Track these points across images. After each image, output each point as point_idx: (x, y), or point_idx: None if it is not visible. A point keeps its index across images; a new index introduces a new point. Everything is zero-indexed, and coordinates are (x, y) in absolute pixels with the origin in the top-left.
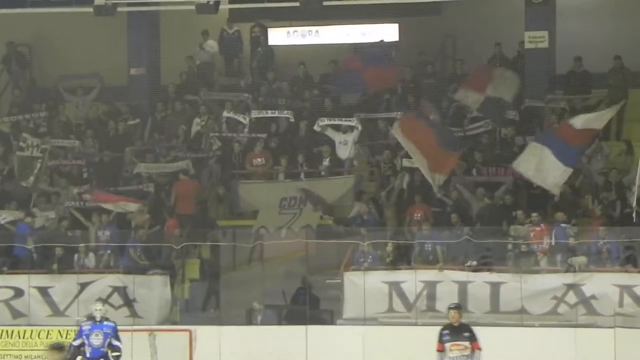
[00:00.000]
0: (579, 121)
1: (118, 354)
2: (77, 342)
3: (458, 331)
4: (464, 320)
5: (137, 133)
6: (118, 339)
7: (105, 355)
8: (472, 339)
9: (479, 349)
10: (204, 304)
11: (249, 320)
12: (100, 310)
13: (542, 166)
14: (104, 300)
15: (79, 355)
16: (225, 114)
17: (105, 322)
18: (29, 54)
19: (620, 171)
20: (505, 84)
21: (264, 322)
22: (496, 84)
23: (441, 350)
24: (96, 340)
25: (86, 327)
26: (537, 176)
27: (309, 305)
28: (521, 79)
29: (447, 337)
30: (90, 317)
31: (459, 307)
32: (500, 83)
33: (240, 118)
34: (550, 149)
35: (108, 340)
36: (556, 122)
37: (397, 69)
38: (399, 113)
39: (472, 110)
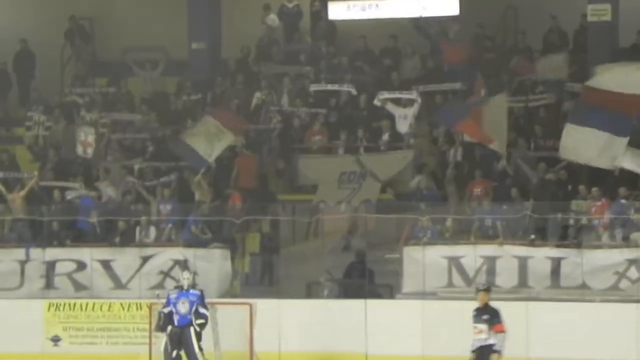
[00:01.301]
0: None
1: (202, 321)
2: (166, 310)
3: (480, 313)
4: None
5: (198, 108)
6: (205, 307)
7: (190, 323)
8: (492, 321)
9: (502, 331)
10: (264, 277)
11: (309, 294)
12: (187, 279)
13: (589, 145)
14: (166, 273)
15: (170, 323)
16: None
17: (192, 291)
18: (90, 28)
19: None
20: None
21: (330, 296)
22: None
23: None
24: (183, 307)
25: (173, 295)
26: (589, 157)
27: (367, 280)
28: (584, 52)
29: (473, 319)
30: (179, 286)
31: (487, 289)
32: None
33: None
34: (588, 124)
35: (194, 307)
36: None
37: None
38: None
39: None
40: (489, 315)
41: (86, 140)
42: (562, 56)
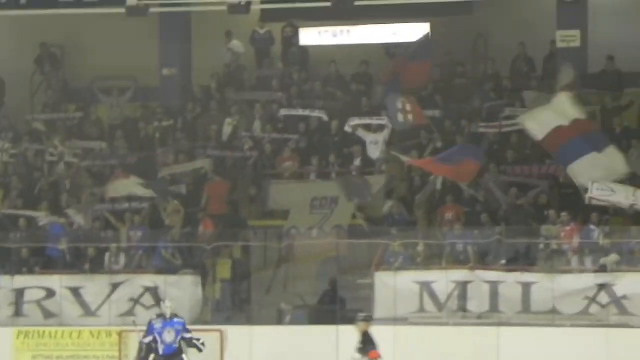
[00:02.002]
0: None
1: (200, 339)
2: (147, 340)
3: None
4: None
5: (170, 134)
6: (189, 332)
7: (177, 351)
8: (366, 349)
9: (377, 357)
10: (235, 304)
11: (280, 321)
12: (170, 307)
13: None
14: (136, 300)
15: (152, 352)
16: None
17: (175, 319)
18: (61, 55)
19: None
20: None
21: (293, 322)
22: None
23: None
24: (169, 337)
25: (158, 324)
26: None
27: (338, 306)
28: (553, 79)
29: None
30: (160, 315)
31: (366, 319)
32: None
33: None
34: (575, 157)
35: (180, 336)
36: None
37: (430, 65)
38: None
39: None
40: (362, 345)
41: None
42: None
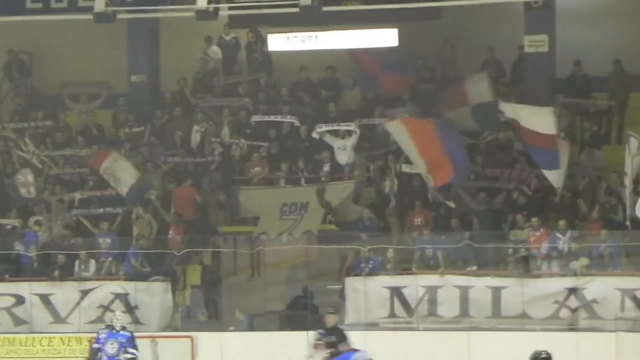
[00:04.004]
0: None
1: (131, 356)
2: (96, 346)
3: (328, 333)
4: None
5: (140, 140)
6: (135, 347)
7: None
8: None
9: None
10: (205, 310)
11: (251, 327)
12: (120, 319)
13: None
14: (106, 307)
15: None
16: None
17: (121, 332)
18: (29, 62)
19: (620, 175)
20: (478, 86)
21: (263, 328)
22: (472, 90)
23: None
24: (111, 348)
25: (103, 334)
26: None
27: (309, 311)
28: (521, 83)
29: (318, 336)
30: (109, 325)
31: (334, 312)
32: (474, 87)
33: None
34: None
35: (122, 348)
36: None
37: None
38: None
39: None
40: (336, 337)
41: (27, 181)
42: (484, 75)
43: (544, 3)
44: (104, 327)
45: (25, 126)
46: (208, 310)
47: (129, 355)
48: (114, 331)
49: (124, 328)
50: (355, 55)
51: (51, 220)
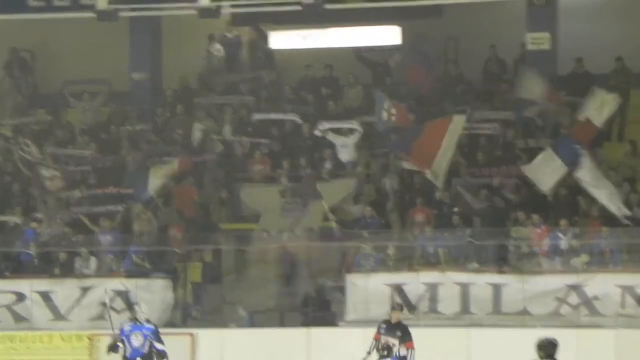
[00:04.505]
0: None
1: (159, 347)
2: (117, 337)
3: (393, 328)
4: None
5: (141, 138)
6: (160, 341)
7: (145, 356)
8: (404, 339)
9: (413, 347)
10: (206, 307)
11: (252, 323)
12: (144, 312)
13: (546, 169)
14: (107, 304)
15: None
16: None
17: (146, 325)
18: (31, 60)
19: (621, 172)
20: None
21: (264, 325)
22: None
23: (377, 339)
24: (136, 341)
25: (127, 327)
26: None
27: (319, 308)
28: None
29: (383, 331)
30: (133, 318)
31: (400, 308)
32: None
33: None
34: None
35: (148, 341)
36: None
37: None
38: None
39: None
40: (401, 332)
41: (53, 175)
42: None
43: (547, 1)
44: (127, 319)
45: (25, 122)
46: (208, 307)
47: (159, 347)
48: (138, 324)
49: (148, 321)
50: (359, 53)
51: (51, 218)
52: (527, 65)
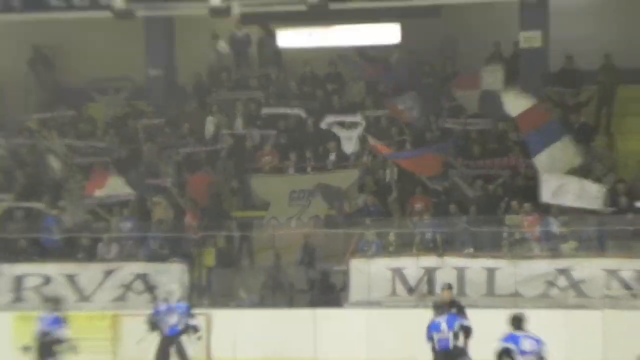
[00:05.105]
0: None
1: (199, 333)
2: (154, 317)
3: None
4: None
5: (157, 131)
6: (193, 317)
7: (180, 333)
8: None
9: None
10: (220, 289)
11: (262, 304)
12: (176, 290)
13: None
14: (128, 286)
15: (157, 330)
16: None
17: (179, 303)
18: (53, 56)
19: (606, 164)
20: (494, 75)
21: (274, 306)
22: (486, 78)
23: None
24: (171, 318)
25: (162, 306)
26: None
27: (324, 290)
28: (517, 76)
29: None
30: (166, 299)
31: (449, 287)
32: (489, 76)
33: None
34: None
35: (183, 319)
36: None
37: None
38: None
39: (471, 109)
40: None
41: (56, 162)
42: (500, 67)
43: (538, 1)
44: (162, 300)
45: (49, 116)
46: (221, 289)
47: (193, 322)
48: (172, 303)
49: (180, 300)
50: (361, 51)
51: (74, 205)
52: (520, 62)
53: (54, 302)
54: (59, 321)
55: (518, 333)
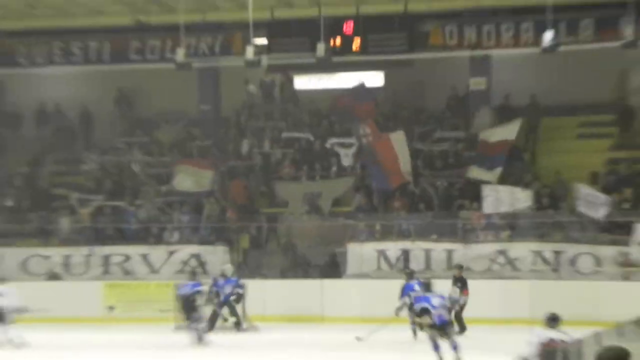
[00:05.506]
0: (493, 136)
1: (242, 291)
2: (215, 289)
3: (455, 281)
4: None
5: (206, 150)
6: (241, 287)
7: (229, 298)
8: (462, 288)
9: (467, 294)
10: (252, 265)
11: (283, 276)
12: (229, 269)
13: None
14: (186, 262)
15: (216, 298)
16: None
17: (232, 277)
18: (132, 96)
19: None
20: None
21: (293, 277)
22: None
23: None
24: (228, 288)
25: (221, 280)
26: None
27: (329, 266)
28: (467, 111)
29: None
30: (223, 274)
31: (460, 267)
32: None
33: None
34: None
35: (234, 289)
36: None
37: (375, 103)
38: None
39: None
40: (460, 284)
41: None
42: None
43: (484, 56)
44: (219, 275)
45: (129, 140)
46: (254, 265)
47: (241, 291)
48: (227, 278)
49: (233, 274)
50: (356, 91)
51: (148, 202)
52: (469, 100)
53: (192, 275)
54: (197, 285)
55: (427, 294)
